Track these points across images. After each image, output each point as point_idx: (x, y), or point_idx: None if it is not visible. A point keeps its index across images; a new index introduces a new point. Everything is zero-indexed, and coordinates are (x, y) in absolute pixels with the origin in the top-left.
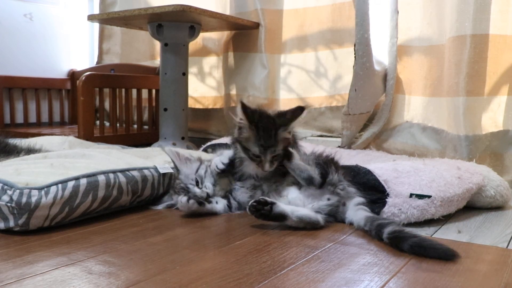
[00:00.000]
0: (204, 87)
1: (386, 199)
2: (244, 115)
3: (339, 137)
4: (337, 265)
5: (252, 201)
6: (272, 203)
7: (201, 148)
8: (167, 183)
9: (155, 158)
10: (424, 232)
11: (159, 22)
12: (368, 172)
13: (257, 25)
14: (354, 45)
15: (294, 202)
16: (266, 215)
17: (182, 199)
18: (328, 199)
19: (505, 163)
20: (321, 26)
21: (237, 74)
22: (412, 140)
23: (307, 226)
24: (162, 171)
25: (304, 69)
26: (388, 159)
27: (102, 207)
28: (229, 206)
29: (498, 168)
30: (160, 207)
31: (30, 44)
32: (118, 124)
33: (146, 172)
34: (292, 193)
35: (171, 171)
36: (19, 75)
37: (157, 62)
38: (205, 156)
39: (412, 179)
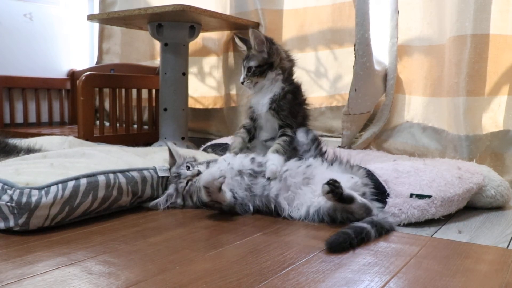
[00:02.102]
0: (204, 87)
1: (387, 199)
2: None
3: (339, 137)
4: (337, 265)
5: (328, 180)
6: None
7: (201, 148)
8: (166, 184)
9: (155, 155)
10: (425, 232)
11: (159, 22)
12: (368, 173)
13: (257, 25)
14: (354, 45)
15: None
16: (340, 194)
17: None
18: (352, 177)
19: (506, 163)
20: (321, 26)
21: (237, 74)
22: (412, 140)
23: (363, 212)
24: (160, 174)
25: (304, 69)
26: (389, 159)
27: (102, 207)
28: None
29: (498, 168)
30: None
31: (30, 44)
32: (118, 124)
33: (145, 173)
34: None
35: (169, 175)
36: (19, 75)
37: (157, 62)
38: (201, 156)
39: (412, 179)
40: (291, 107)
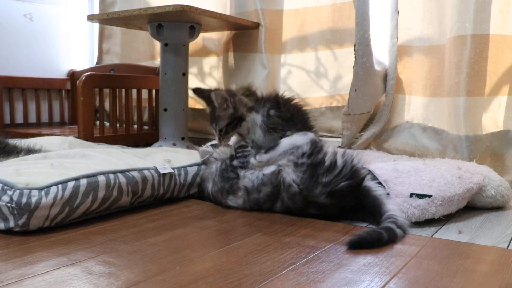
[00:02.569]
0: (204, 87)
1: None
2: (198, 97)
3: (339, 137)
4: (337, 266)
5: None
6: None
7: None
8: (167, 184)
9: (155, 155)
10: (425, 232)
11: (159, 22)
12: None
13: (257, 25)
14: (354, 45)
15: None
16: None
17: None
18: None
19: (506, 163)
20: (321, 26)
21: (237, 74)
22: (412, 140)
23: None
24: (162, 171)
25: (304, 69)
26: (389, 159)
27: (102, 207)
28: None
29: (498, 168)
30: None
31: (30, 44)
32: (118, 125)
33: (146, 172)
34: None
35: (171, 171)
36: (19, 75)
37: (157, 62)
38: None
39: (412, 179)
40: (281, 118)
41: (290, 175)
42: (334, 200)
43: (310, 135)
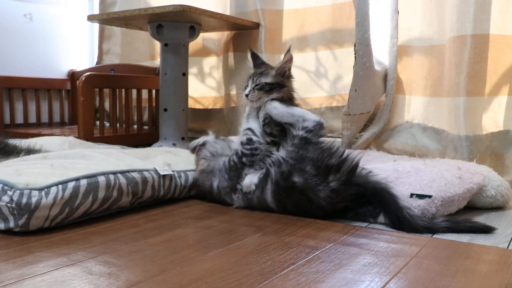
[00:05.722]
0: (204, 87)
1: None
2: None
3: (339, 137)
4: (337, 266)
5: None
6: None
7: None
8: (167, 185)
9: (155, 158)
10: None
11: (159, 22)
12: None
13: (257, 25)
14: (354, 45)
15: None
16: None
17: None
18: None
19: (506, 163)
20: (321, 26)
21: (237, 74)
22: (412, 140)
23: None
24: (162, 173)
25: (304, 69)
26: (389, 159)
27: (102, 208)
28: None
29: (498, 168)
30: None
31: (30, 44)
32: (118, 125)
33: (146, 173)
34: None
35: (171, 173)
36: (19, 75)
37: (157, 62)
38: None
39: (412, 179)
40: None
41: (279, 153)
42: (320, 170)
43: (321, 119)
